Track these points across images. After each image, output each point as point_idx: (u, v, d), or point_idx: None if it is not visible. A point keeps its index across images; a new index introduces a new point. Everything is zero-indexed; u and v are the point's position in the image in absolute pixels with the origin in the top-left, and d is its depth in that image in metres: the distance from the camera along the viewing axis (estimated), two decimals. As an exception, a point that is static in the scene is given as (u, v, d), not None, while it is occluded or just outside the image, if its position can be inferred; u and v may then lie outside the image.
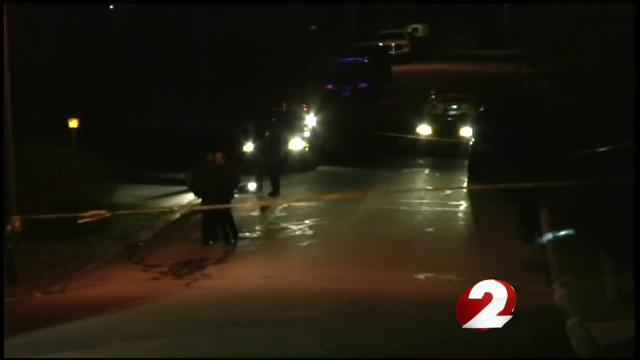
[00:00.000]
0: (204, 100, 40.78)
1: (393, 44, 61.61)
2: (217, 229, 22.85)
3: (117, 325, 16.02)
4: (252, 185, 28.69)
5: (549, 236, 23.19)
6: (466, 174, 30.06)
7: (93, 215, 18.80)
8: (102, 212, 19.11)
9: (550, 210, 24.14)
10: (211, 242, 22.68)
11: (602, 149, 21.47)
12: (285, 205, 27.03)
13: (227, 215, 22.84)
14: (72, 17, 41.02)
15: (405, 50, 62.95)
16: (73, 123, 27.46)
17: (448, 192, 28.43)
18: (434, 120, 36.37)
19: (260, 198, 28.10)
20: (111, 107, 36.79)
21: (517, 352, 13.71)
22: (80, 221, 18.95)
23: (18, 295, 18.30)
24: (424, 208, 26.16)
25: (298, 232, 23.98)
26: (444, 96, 38.80)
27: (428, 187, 29.66)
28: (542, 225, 23.47)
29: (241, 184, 28.49)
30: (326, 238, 23.20)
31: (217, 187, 22.75)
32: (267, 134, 29.46)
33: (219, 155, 23.27)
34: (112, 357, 14.18)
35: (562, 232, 22.24)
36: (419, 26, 73.79)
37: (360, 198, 25.93)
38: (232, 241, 22.78)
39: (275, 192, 28.32)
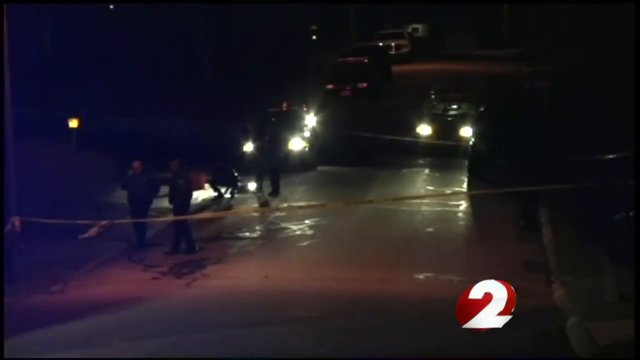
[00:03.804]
0: (204, 100, 40.79)
1: (393, 44, 61.56)
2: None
3: (117, 325, 16.02)
4: (252, 185, 28.70)
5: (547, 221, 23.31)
6: (466, 174, 30.04)
7: (97, 228, 18.88)
8: (103, 222, 19.21)
9: (549, 209, 24.15)
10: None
11: (604, 156, 21.51)
12: (285, 205, 27.05)
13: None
14: (73, 17, 41.04)
15: (405, 50, 62.89)
16: (73, 123, 27.47)
17: (448, 191, 28.44)
18: (434, 120, 36.33)
19: (260, 198, 28.10)
20: (111, 107, 36.80)
21: (517, 352, 13.72)
22: (81, 236, 19.07)
23: (18, 295, 18.30)
24: (423, 208, 26.13)
25: (298, 232, 23.97)
26: (444, 96, 38.78)
27: (429, 188, 29.58)
28: (542, 223, 23.50)
29: (241, 183, 28.58)
30: (326, 238, 23.19)
31: (137, 193, 22.66)
32: (266, 134, 29.47)
33: (135, 163, 22.84)
34: (112, 357, 14.19)
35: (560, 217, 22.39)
36: (419, 26, 73.75)
37: (365, 204, 25.82)
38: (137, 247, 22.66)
39: (275, 192, 28.32)
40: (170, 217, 22.72)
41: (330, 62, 50.78)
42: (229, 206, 27.29)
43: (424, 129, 36.11)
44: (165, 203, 23.61)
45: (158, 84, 40.87)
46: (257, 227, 24.80)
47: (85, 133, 27.67)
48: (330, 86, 45.37)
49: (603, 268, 16.84)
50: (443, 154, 34.02)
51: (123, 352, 14.26)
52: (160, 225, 24.76)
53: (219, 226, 24.86)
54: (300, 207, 25.73)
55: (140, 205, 22.55)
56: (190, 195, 23.28)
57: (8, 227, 18.79)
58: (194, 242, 22.38)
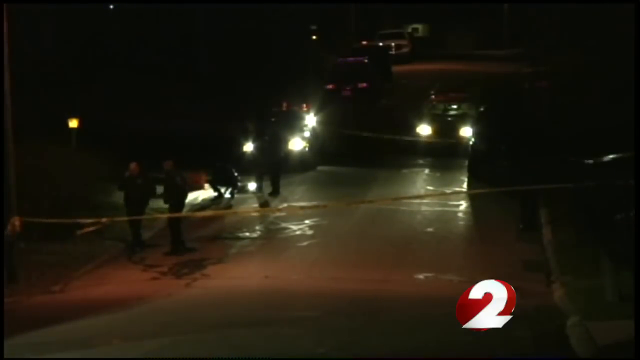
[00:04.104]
0: (203, 100, 40.76)
1: (393, 44, 61.59)
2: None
3: (117, 325, 16.03)
4: (252, 185, 28.70)
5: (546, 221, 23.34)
6: (466, 174, 30.05)
7: (92, 224, 18.93)
8: (102, 220, 19.26)
9: (549, 209, 24.16)
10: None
11: (605, 158, 21.52)
12: (285, 205, 27.05)
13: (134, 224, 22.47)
14: (72, 17, 41.02)
15: (405, 50, 62.92)
16: (73, 123, 27.46)
17: (448, 191, 28.44)
18: (434, 120, 36.35)
19: (260, 198, 28.11)
20: (111, 107, 36.77)
21: (517, 352, 13.72)
22: (79, 232, 19.12)
23: (18, 295, 18.30)
24: (423, 208, 26.15)
25: (298, 232, 23.98)
26: (444, 96, 38.78)
27: (429, 188, 29.55)
28: (542, 223, 23.51)
29: (241, 183, 28.58)
30: (326, 238, 23.20)
31: (133, 195, 22.50)
32: (266, 134, 29.47)
33: (132, 165, 22.68)
34: (112, 357, 14.18)
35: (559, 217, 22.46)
36: (419, 26, 73.76)
37: (366, 203, 25.83)
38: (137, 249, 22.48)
39: (275, 192, 28.31)
40: (169, 215, 22.64)
41: (330, 62, 50.78)
42: (229, 206, 27.29)
43: (424, 129, 36.12)
44: (162, 203, 23.57)
45: (158, 83, 40.83)
46: (257, 227, 24.80)
47: (85, 133, 27.67)
48: (330, 86, 45.36)
49: (603, 268, 16.84)
50: (443, 154, 34.01)
51: (123, 352, 14.26)
52: (160, 225, 24.78)
53: (219, 226, 24.86)
54: (302, 208, 25.72)
55: (136, 206, 22.42)
56: (186, 195, 23.21)
57: (9, 227, 18.81)
58: (185, 242, 22.33)
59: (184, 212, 23.88)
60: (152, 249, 22.58)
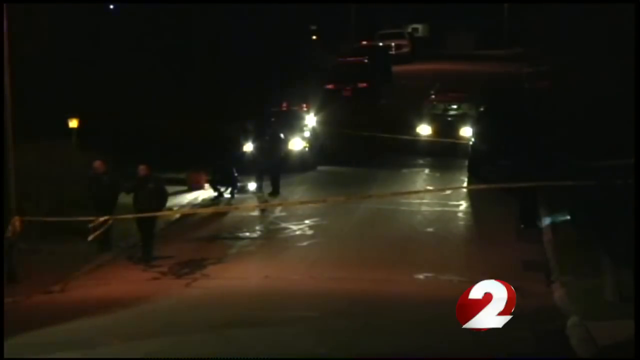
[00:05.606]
0: (203, 100, 40.77)
1: (393, 44, 61.63)
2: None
3: (117, 325, 16.03)
4: (252, 185, 28.72)
5: (547, 220, 23.33)
6: (466, 173, 30.06)
7: (98, 226, 18.98)
8: (102, 219, 19.28)
9: (549, 209, 24.16)
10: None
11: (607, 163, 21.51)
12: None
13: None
14: (72, 17, 41.04)
15: (405, 50, 62.97)
16: (73, 123, 27.47)
17: (448, 191, 28.44)
18: (434, 120, 36.35)
19: (260, 198, 28.11)
20: (111, 106, 36.77)
21: (517, 352, 13.73)
22: (90, 238, 19.18)
23: (18, 295, 18.30)
24: (423, 208, 26.16)
25: (298, 232, 23.98)
26: (444, 96, 38.80)
27: (429, 187, 29.58)
28: (543, 223, 23.52)
29: (241, 183, 28.59)
30: (326, 238, 23.20)
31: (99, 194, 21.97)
32: (266, 134, 29.47)
33: (96, 163, 22.18)
34: (112, 357, 14.19)
35: (559, 217, 22.45)
36: (419, 26, 73.79)
37: (365, 199, 25.86)
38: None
39: (275, 192, 28.32)
40: (177, 212, 22.46)
41: (330, 62, 50.79)
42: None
43: (424, 129, 36.13)
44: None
45: (158, 83, 40.84)
46: (257, 227, 24.80)
47: (85, 133, 27.69)
48: (330, 86, 45.38)
49: (603, 268, 16.85)
50: (443, 154, 34.02)
51: (123, 352, 14.27)
52: (160, 224, 24.77)
53: (219, 226, 24.87)
54: (302, 203, 25.75)
55: (103, 206, 21.35)
56: (161, 200, 21.99)
57: (9, 227, 18.81)
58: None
59: (187, 210, 23.82)
60: (153, 248, 22.54)
